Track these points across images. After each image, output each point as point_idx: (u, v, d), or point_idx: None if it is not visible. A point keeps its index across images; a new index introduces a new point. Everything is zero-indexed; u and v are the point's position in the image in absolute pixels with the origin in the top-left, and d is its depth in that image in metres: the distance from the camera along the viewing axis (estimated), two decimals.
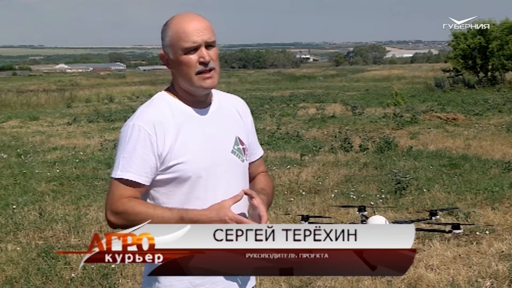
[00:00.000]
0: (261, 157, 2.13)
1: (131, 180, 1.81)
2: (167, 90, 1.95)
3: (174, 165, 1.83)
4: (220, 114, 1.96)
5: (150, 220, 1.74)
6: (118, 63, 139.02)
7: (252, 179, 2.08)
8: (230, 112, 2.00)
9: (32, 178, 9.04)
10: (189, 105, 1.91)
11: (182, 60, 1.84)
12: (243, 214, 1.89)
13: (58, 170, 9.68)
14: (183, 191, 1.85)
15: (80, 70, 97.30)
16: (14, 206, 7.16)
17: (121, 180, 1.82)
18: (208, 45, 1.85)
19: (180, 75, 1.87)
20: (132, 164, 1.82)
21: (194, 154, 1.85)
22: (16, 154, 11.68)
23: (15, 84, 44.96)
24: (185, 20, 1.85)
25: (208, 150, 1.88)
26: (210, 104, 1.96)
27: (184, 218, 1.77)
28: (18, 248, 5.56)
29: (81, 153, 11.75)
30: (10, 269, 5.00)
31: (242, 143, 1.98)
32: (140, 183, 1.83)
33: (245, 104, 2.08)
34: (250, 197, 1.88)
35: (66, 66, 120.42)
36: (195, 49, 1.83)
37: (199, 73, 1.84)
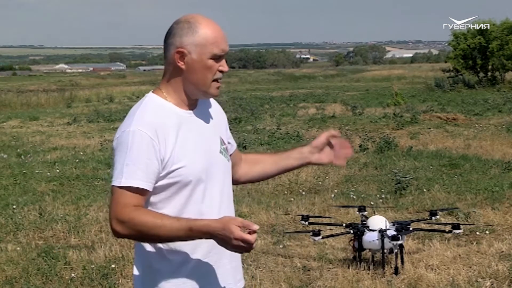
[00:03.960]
0: (236, 147, 2.15)
1: (138, 188, 1.75)
2: (157, 90, 1.90)
3: (175, 169, 1.80)
4: (207, 116, 1.96)
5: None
6: (118, 63, 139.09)
7: (236, 165, 2.09)
8: (212, 113, 2.01)
9: (32, 178, 9.04)
10: (181, 107, 1.89)
11: (207, 64, 1.84)
12: None
13: (58, 170, 9.68)
14: (184, 195, 1.82)
15: (80, 70, 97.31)
16: (14, 206, 7.15)
17: (126, 188, 1.75)
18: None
19: (194, 77, 1.85)
20: (137, 170, 1.75)
21: (191, 157, 1.83)
22: (16, 154, 11.68)
23: (15, 84, 44.98)
24: (214, 26, 1.86)
25: (203, 152, 1.87)
26: (197, 106, 1.95)
27: (193, 229, 1.71)
28: (18, 248, 5.56)
29: (81, 153, 11.74)
30: (10, 269, 4.99)
31: (224, 143, 1.99)
32: (146, 190, 1.77)
33: (217, 103, 2.09)
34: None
35: (66, 66, 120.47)
36: (219, 57, 1.85)
37: (215, 80, 1.87)
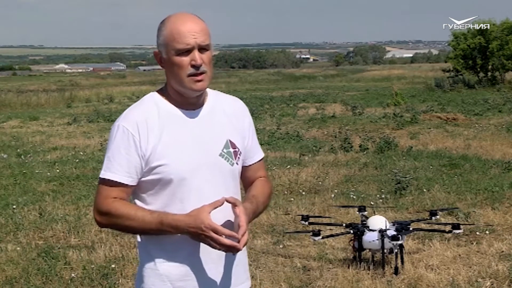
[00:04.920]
0: (260, 160, 2.07)
1: (114, 181, 1.82)
2: (159, 90, 1.93)
3: (157, 166, 1.82)
4: (212, 116, 1.92)
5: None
6: (118, 63, 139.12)
7: (250, 184, 2.04)
8: (224, 113, 1.96)
9: (32, 178, 9.04)
10: (178, 107, 1.88)
11: (174, 61, 1.83)
12: (229, 222, 1.85)
13: (58, 170, 9.68)
14: (167, 193, 1.84)
15: (80, 70, 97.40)
16: (14, 206, 7.15)
17: (105, 181, 1.83)
18: (202, 48, 1.83)
19: (172, 75, 1.86)
20: (115, 164, 1.82)
21: (176, 156, 1.83)
22: (16, 154, 11.68)
23: (15, 84, 45.00)
24: (180, 20, 1.83)
25: (192, 152, 1.85)
26: (202, 105, 1.93)
27: (163, 222, 1.77)
28: (18, 248, 5.56)
29: (81, 153, 11.75)
30: (10, 269, 4.99)
31: (234, 146, 1.94)
32: (124, 183, 1.82)
33: (243, 106, 2.04)
34: (233, 205, 1.83)
35: (66, 66, 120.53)
36: (187, 51, 1.82)
37: (190, 75, 1.83)
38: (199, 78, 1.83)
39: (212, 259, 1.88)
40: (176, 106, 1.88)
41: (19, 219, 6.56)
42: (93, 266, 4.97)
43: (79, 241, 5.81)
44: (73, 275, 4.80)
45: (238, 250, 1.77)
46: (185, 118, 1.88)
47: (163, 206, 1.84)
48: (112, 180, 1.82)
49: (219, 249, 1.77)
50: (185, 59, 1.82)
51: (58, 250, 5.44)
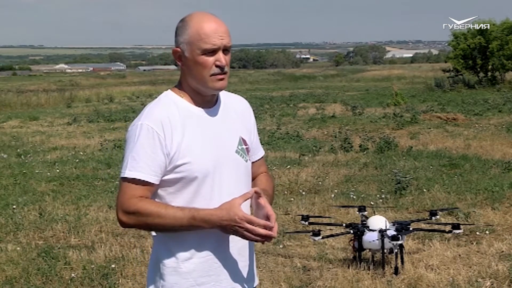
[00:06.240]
0: (262, 157, 2.13)
1: (140, 179, 1.82)
2: (174, 88, 1.95)
3: (181, 164, 1.84)
4: (225, 114, 1.97)
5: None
6: (118, 63, 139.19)
7: (253, 179, 2.08)
8: (235, 112, 2.01)
9: (32, 178, 9.03)
10: (196, 105, 1.91)
11: (198, 60, 1.85)
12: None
13: (58, 170, 9.68)
14: (190, 191, 1.86)
15: (80, 70, 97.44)
16: (14, 206, 7.15)
17: (130, 180, 1.82)
18: (225, 49, 1.87)
19: (193, 74, 1.88)
20: (141, 163, 1.82)
21: (199, 154, 1.86)
22: (16, 154, 11.68)
23: (15, 84, 45.01)
24: (206, 20, 1.86)
25: (213, 150, 1.89)
26: (216, 104, 1.96)
27: (195, 217, 1.78)
28: (18, 248, 5.56)
29: (81, 153, 11.75)
30: (10, 269, 4.99)
31: (245, 143, 1.99)
32: (150, 182, 1.83)
33: (248, 104, 2.09)
34: (257, 196, 1.87)
35: (66, 66, 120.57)
36: (213, 51, 1.84)
37: (213, 75, 1.86)
38: (221, 77, 1.87)
39: (233, 254, 1.91)
40: (194, 104, 1.91)
41: (19, 219, 6.56)
42: (93, 266, 4.97)
43: (79, 241, 5.81)
44: (73, 275, 4.80)
45: (272, 238, 1.81)
46: (204, 116, 1.91)
47: (185, 203, 1.85)
48: (139, 179, 1.82)
49: (253, 240, 1.80)
50: (210, 59, 1.85)
51: (58, 250, 5.44)
